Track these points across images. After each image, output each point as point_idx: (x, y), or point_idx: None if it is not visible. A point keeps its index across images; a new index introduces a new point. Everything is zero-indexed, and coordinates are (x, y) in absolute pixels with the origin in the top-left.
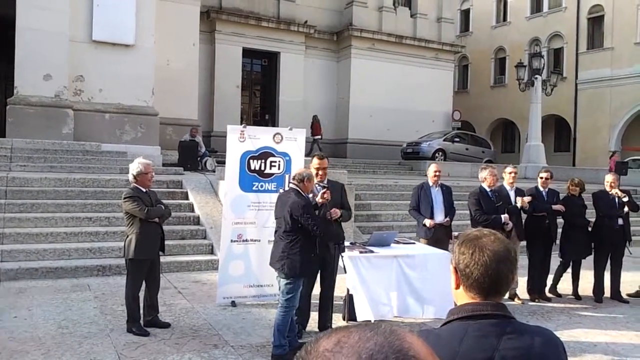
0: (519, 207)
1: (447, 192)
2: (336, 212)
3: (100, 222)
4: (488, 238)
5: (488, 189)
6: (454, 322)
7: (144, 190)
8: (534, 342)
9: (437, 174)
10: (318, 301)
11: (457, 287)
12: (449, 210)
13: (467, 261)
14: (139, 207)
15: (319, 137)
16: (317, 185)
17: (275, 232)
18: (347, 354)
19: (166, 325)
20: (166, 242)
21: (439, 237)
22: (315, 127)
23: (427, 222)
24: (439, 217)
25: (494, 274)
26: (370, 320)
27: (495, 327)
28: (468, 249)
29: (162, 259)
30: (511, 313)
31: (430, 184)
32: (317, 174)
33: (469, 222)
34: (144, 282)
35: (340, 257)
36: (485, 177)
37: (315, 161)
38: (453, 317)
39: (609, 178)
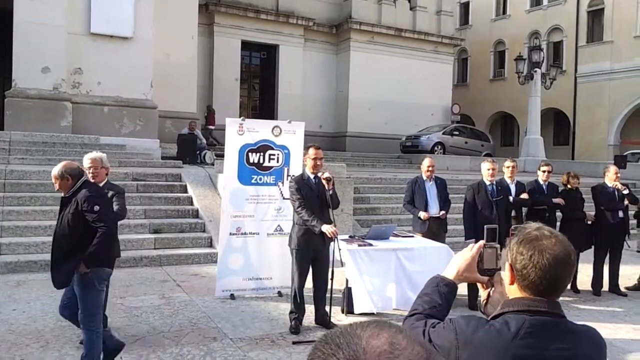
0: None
1: (441, 185)
2: (328, 179)
3: None
4: (549, 240)
5: (487, 182)
6: (509, 315)
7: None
8: (583, 343)
9: (431, 168)
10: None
11: (512, 283)
12: (444, 204)
13: (525, 262)
14: None
15: (213, 127)
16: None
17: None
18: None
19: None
20: (165, 235)
21: (434, 231)
22: (210, 117)
23: (422, 214)
24: (434, 210)
25: (552, 278)
26: (371, 313)
27: (549, 325)
28: (527, 250)
29: (162, 252)
30: (563, 311)
31: (424, 178)
32: (314, 165)
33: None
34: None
35: (339, 251)
36: (482, 171)
37: (312, 151)
38: (508, 309)
39: (614, 169)
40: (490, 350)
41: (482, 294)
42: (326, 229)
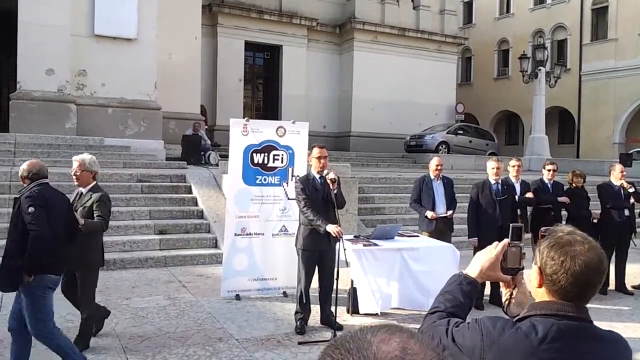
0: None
1: (448, 184)
2: (333, 181)
3: None
4: (582, 246)
5: (492, 181)
6: (536, 318)
7: (79, 190)
8: (609, 348)
9: (439, 167)
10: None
11: (540, 287)
12: (451, 203)
13: (555, 268)
14: None
15: (205, 126)
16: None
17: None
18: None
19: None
20: (170, 236)
21: (441, 230)
22: (205, 116)
23: (429, 214)
24: (441, 209)
25: (583, 285)
26: (376, 313)
27: (577, 330)
28: (558, 255)
29: (167, 253)
30: (590, 317)
31: (432, 176)
32: (319, 163)
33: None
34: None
35: (344, 251)
36: (487, 169)
37: (316, 150)
38: (534, 312)
39: (619, 167)
40: (517, 353)
41: (505, 293)
42: (331, 228)
